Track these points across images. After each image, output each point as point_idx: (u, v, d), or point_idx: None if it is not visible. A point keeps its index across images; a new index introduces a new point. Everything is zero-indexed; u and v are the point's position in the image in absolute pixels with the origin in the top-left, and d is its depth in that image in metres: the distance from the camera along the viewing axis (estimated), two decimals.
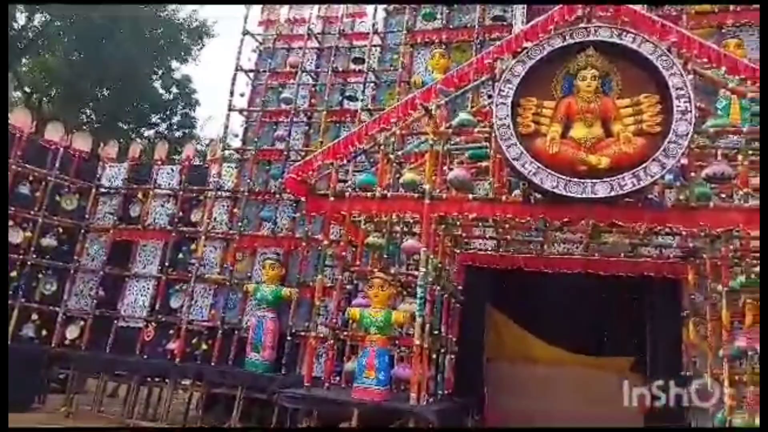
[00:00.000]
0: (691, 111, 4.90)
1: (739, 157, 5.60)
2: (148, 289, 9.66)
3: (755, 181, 5.36)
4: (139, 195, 10.17)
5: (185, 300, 9.09)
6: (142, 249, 9.96)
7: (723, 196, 5.94)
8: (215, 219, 9.58)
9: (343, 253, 6.80)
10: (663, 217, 5.23)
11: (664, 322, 7.56)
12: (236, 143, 10.58)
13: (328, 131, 9.52)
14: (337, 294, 6.76)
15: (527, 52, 5.41)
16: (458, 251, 8.04)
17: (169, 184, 10.08)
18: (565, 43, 5.35)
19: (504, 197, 5.65)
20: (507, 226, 6.84)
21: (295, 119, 9.79)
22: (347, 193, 6.22)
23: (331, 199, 6.19)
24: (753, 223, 5.03)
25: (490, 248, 8.09)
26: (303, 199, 6.93)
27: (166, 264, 9.52)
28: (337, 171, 6.39)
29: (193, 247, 9.49)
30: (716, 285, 6.03)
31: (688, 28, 7.68)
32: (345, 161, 6.62)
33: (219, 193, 9.62)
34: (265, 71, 10.23)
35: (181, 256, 9.62)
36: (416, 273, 5.88)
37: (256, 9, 10.65)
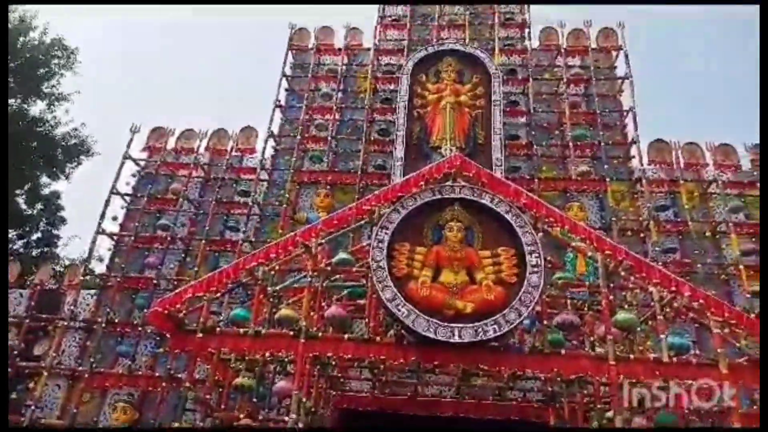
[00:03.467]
0: (541, 264, 5.47)
1: (586, 308, 6.28)
2: None
3: (600, 330, 5.92)
4: None
5: None
6: None
7: (575, 343, 6.49)
8: (63, 352, 8.54)
9: (207, 396, 6.26)
10: (522, 362, 5.52)
11: None
12: (101, 268, 9.85)
13: (207, 260, 9.27)
14: None
15: (402, 203, 5.86)
16: (333, 393, 7.77)
17: (15, 310, 8.97)
18: (435, 198, 5.90)
19: (379, 338, 5.70)
20: (382, 367, 6.82)
21: (171, 247, 9.46)
22: (217, 329, 5.90)
23: (200, 335, 5.80)
24: (601, 371, 5.40)
25: (365, 390, 7.93)
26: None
27: None
28: (210, 304, 6.11)
29: (31, 385, 8.26)
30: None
31: (539, 191, 8.88)
32: (219, 294, 6.38)
33: (72, 323, 8.69)
34: (143, 196, 9.95)
35: (14, 396, 8.28)
36: (287, 418, 5.53)
37: (142, 134, 10.63)
